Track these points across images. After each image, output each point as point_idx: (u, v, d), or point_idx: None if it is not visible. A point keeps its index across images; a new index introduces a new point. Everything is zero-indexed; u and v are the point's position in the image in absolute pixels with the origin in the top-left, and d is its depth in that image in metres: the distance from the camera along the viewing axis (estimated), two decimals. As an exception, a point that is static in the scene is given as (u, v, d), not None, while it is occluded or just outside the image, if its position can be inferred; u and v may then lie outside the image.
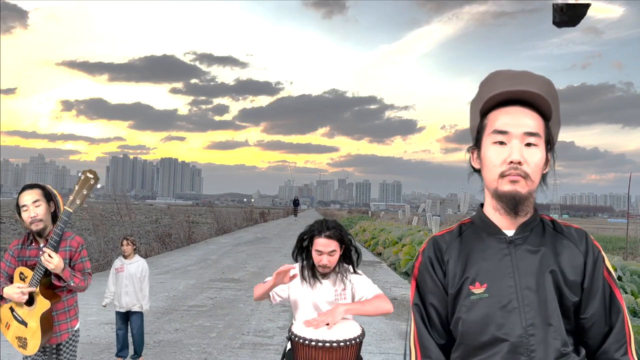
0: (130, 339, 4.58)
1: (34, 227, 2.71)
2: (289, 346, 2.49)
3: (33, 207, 2.70)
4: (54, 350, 2.85)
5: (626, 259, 9.81)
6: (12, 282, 2.73)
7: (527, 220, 1.27)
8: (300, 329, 2.30)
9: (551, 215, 1.39)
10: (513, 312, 1.20)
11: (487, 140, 1.26)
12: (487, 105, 1.26)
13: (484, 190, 1.31)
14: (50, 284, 2.69)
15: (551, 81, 1.27)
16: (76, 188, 2.64)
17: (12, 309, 2.75)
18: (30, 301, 2.69)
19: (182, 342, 5.30)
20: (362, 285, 2.58)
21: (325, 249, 2.50)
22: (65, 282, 2.66)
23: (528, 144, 1.22)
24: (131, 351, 4.59)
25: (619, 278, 7.82)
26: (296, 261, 2.66)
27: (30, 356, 2.77)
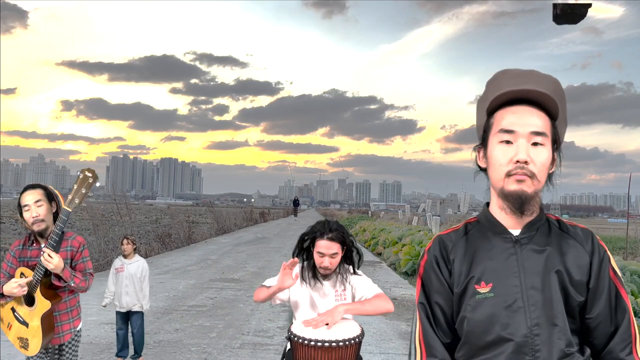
0: (130, 339, 4.58)
1: (35, 228, 2.70)
2: (288, 346, 2.48)
3: (35, 207, 2.69)
4: (56, 351, 2.84)
5: (626, 259, 9.80)
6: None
7: (533, 219, 1.27)
8: (299, 329, 2.29)
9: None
10: (518, 312, 1.20)
11: (494, 139, 1.25)
12: (494, 104, 1.26)
13: (490, 189, 1.31)
14: (50, 284, 2.69)
15: (558, 80, 1.27)
16: (75, 187, 2.63)
17: (13, 310, 2.74)
18: (31, 301, 2.68)
19: (182, 342, 5.30)
20: (362, 285, 2.58)
21: (327, 251, 2.49)
22: (66, 282, 2.65)
23: (534, 144, 1.22)
24: (131, 351, 4.59)
25: (619, 278, 7.81)
26: (297, 262, 2.66)
27: (32, 357, 2.76)
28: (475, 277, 1.25)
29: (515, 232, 1.27)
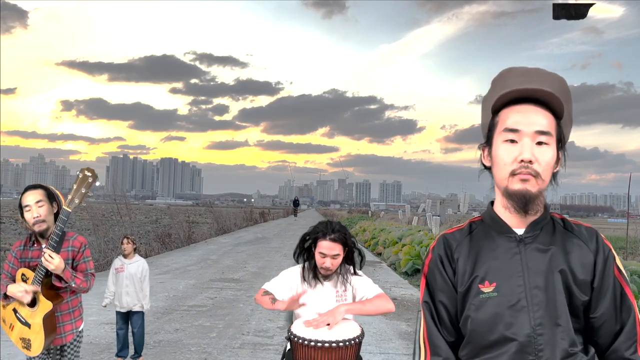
0: (130, 339, 4.57)
1: (36, 228, 2.69)
2: (288, 346, 2.48)
3: (36, 207, 2.68)
4: (58, 352, 2.84)
5: (626, 259, 9.79)
6: (14, 283, 2.73)
7: (538, 218, 1.26)
8: (299, 329, 2.29)
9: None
10: (522, 312, 1.20)
11: (498, 138, 1.25)
12: (499, 103, 1.25)
13: (495, 188, 1.31)
14: (52, 285, 2.68)
15: (564, 79, 1.26)
16: (75, 187, 2.62)
17: (15, 310, 2.74)
18: (32, 302, 2.67)
19: (182, 342, 5.30)
20: (363, 286, 2.57)
21: (329, 252, 2.48)
22: (67, 283, 2.65)
23: (539, 143, 1.21)
24: (131, 351, 4.59)
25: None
26: (297, 262, 2.65)
27: (34, 357, 2.76)
28: (479, 277, 1.25)
29: (520, 231, 1.26)
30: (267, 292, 2.50)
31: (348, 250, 2.58)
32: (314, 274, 2.54)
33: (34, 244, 2.77)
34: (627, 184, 11.35)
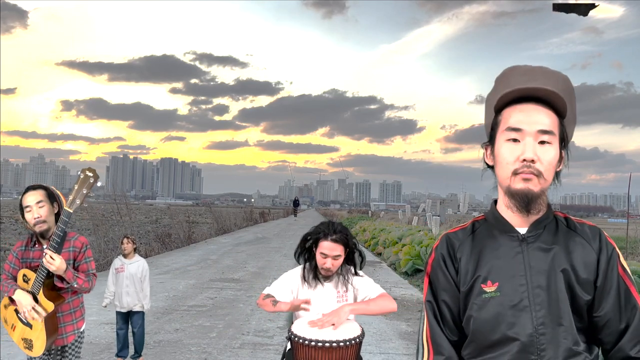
0: (130, 339, 4.57)
1: (37, 229, 2.68)
2: (288, 346, 2.48)
3: (37, 208, 2.68)
4: (59, 352, 2.84)
5: (626, 259, 9.79)
6: (15, 282, 2.72)
7: (540, 217, 1.26)
8: (300, 329, 2.29)
9: None
10: (524, 311, 1.20)
11: (501, 137, 1.25)
12: (502, 101, 1.25)
13: (497, 187, 1.30)
14: (53, 286, 2.67)
15: (568, 77, 1.25)
16: (76, 187, 2.61)
17: (16, 311, 2.73)
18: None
19: (182, 342, 5.30)
20: (364, 286, 2.57)
21: (330, 252, 2.48)
22: (68, 283, 2.64)
23: (542, 142, 1.21)
24: (131, 351, 4.59)
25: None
26: (298, 262, 2.65)
27: (36, 358, 2.75)
28: (482, 277, 1.25)
29: (522, 230, 1.26)
30: (268, 296, 2.50)
31: (349, 251, 2.57)
32: (315, 274, 2.54)
33: (35, 244, 2.77)
34: (627, 184, 11.34)
